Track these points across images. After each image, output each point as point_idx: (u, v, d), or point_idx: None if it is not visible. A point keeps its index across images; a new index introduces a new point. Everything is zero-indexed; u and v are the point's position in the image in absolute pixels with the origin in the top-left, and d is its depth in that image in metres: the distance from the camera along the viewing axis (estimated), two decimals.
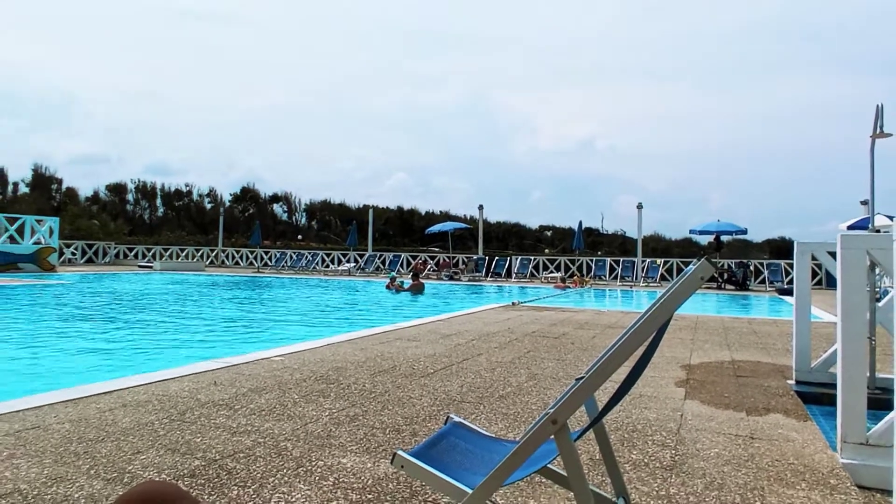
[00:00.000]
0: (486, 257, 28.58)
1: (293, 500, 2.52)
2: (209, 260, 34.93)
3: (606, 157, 63.12)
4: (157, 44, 67.29)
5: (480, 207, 30.66)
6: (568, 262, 28.26)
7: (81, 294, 15.71)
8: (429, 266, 29.50)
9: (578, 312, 11.77)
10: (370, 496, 2.58)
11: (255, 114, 67.95)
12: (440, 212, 48.09)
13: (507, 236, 45.77)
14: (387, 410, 3.99)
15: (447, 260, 29.21)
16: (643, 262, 26.50)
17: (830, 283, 18.22)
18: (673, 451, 3.29)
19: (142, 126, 66.62)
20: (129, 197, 50.30)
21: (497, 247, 38.74)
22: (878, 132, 6.79)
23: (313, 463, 2.96)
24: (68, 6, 65.02)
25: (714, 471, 3.00)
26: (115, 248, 33.98)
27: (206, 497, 2.52)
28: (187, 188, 51.35)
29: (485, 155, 68.11)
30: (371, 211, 34.89)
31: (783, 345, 7.46)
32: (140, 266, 30.05)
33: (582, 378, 1.75)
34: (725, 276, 24.02)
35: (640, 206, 27.16)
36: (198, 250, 35.47)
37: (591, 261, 28.04)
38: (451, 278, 26.46)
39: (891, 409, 2.65)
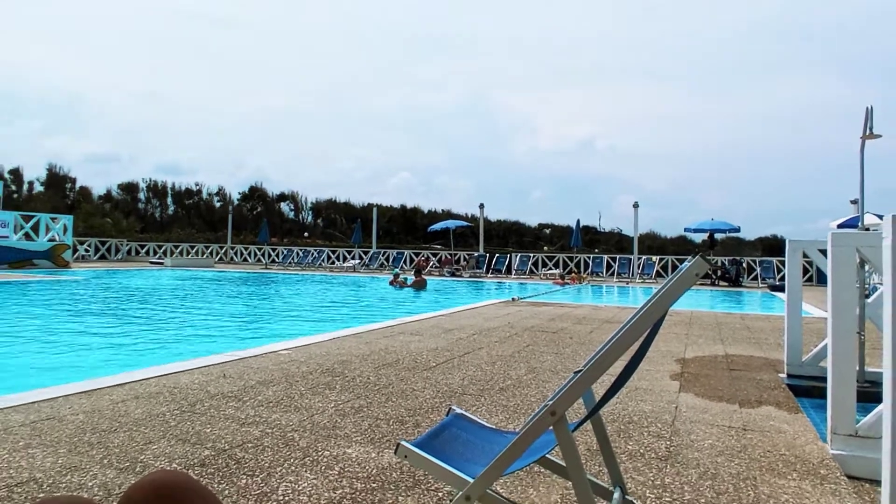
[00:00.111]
0: (487, 254, 28.58)
1: (300, 488, 2.52)
2: (218, 257, 34.95)
3: (604, 157, 63.22)
4: (167, 47, 67.32)
5: (481, 206, 30.65)
6: (566, 259, 28.23)
7: (95, 289, 15.73)
8: (431, 263, 29.49)
9: (576, 308, 11.77)
10: (374, 485, 2.58)
11: (263, 115, 68.14)
12: (442, 210, 48.14)
13: (508, 234, 45.77)
14: (390, 402, 3.99)
15: (449, 257, 29.20)
16: (639, 259, 26.49)
17: (821, 279, 18.18)
18: (668, 442, 3.29)
19: (152, 127, 66.72)
20: (141, 195, 50.47)
21: (497, 244, 38.75)
22: (867, 134, 6.76)
23: (319, 453, 2.97)
24: (79, 9, 65.01)
25: (708, 461, 3.00)
26: (128, 245, 34.00)
27: (215, 486, 2.53)
28: (197, 187, 51.49)
29: (485, 155, 68.19)
30: (375, 209, 34.91)
31: (775, 339, 7.45)
32: (151, 262, 30.09)
33: (580, 371, 1.75)
34: (719, 272, 24.00)
35: (636, 205, 27.15)
36: (207, 247, 35.47)
37: (589, 258, 28.01)
38: (452, 275, 26.46)
39: (879, 401, 2.65)
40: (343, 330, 7.39)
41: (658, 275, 25.57)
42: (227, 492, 2.47)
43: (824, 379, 3.36)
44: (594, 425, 2.10)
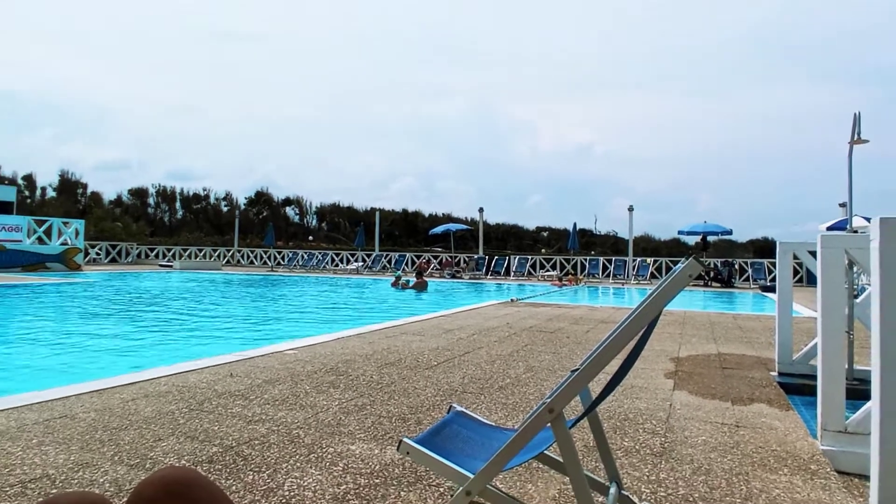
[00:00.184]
0: (486, 257, 28.56)
1: (305, 484, 2.52)
2: (225, 260, 34.95)
3: (600, 163, 63.28)
4: (177, 59, 67.36)
5: (481, 210, 30.64)
6: (563, 262, 28.22)
7: (105, 292, 15.74)
8: (432, 265, 29.49)
9: (573, 308, 11.76)
10: (377, 480, 2.58)
11: (269, 122, 68.26)
12: (443, 214, 48.17)
13: (506, 237, 45.76)
14: (393, 400, 3.99)
15: (449, 259, 29.20)
16: (634, 261, 26.46)
17: (811, 280, 18.17)
18: (662, 439, 3.29)
19: (162, 135, 66.91)
20: (151, 200, 50.54)
21: (496, 247, 38.73)
22: (855, 138, 6.78)
23: (324, 449, 2.96)
24: (94, 20, 65.14)
25: (701, 457, 2.99)
26: (137, 248, 34.03)
27: (223, 482, 2.53)
28: (205, 192, 51.53)
29: (485, 160, 68.18)
30: (378, 213, 34.88)
31: (766, 339, 7.45)
32: (161, 265, 30.08)
33: (577, 370, 1.75)
34: (712, 274, 23.99)
35: (631, 209, 27.11)
36: (215, 250, 35.48)
37: (586, 260, 28.00)
38: (453, 276, 26.45)
39: (868, 398, 2.64)
40: (347, 330, 7.39)
41: (652, 276, 25.55)
42: (234, 487, 2.47)
43: (814, 377, 3.36)
44: (591, 422, 2.10)
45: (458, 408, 2.38)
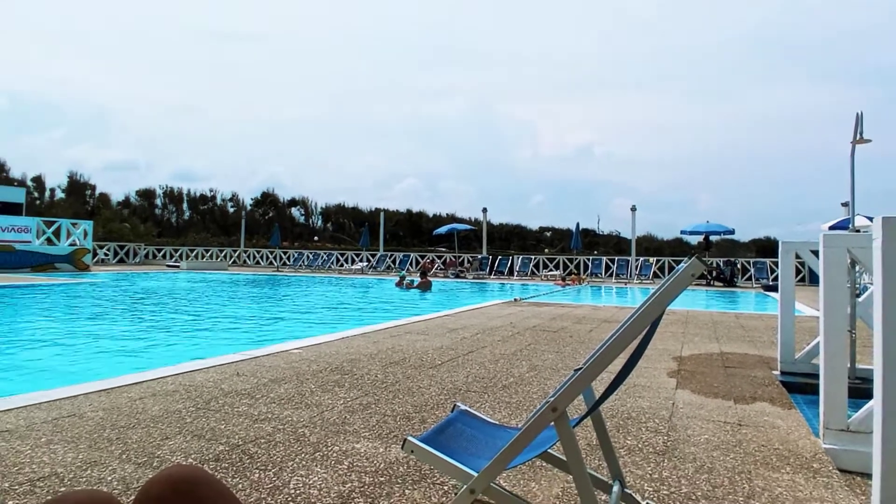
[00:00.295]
0: (490, 257, 28.56)
1: (311, 482, 2.52)
2: (232, 260, 35.03)
3: (602, 163, 63.20)
4: (184, 61, 67.55)
5: (484, 210, 30.65)
6: (566, 261, 28.19)
7: (114, 292, 15.79)
8: (436, 265, 29.49)
9: (576, 308, 11.75)
10: (382, 479, 2.58)
11: (275, 124, 68.39)
12: (447, 214, 48.22)
13: (510, 237, 45.76)
14: (397, 399, 3.99)
15: (453, 259, 29.21)
16: (637, 260, 26.42)
17: (813, 279, 18.12)
18: (665, 437, 3.28)
19: (169, 136, 67.20)
20: (158, 201, 50.75)
21: (500, 247, 38.72)
22: (858, 138, 6.75)
23: (329, 448, 2.97)
24: (101, 23, 65.36)
25: (704, 455, 2.99)
26: (145, 249, 34.14)
27: (229, 480, 2.53)
28: (211, 193, 51.72)
29: (488, 160, 68.23)
30: (382, 214, 34.91)
31: (768, 338, 7.42)
32: (168, 266, 30.18)
33: (580, 369, 1.75)
34: (714, 273, 23.93)
35: (633, 209, 27.07)
36: (221, 251, 35.58)
37: (588, 260, 27.97)
38: (457, 276, 26.45)
39: (870, 397, 2.64)
40: (352, 330, 7.39)
41: (655, 276, 25.51)
42: (240, 485, 2.47)
43: (817, 376, 3.35)
44: (594, 421, 2.10)
45: (463, 406, 2.38)
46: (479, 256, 28.79)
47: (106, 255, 31.12)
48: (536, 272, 27.60)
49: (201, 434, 3.14)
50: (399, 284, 19.01)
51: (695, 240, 30.65)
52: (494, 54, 67.53)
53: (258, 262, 34.74)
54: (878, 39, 52.92)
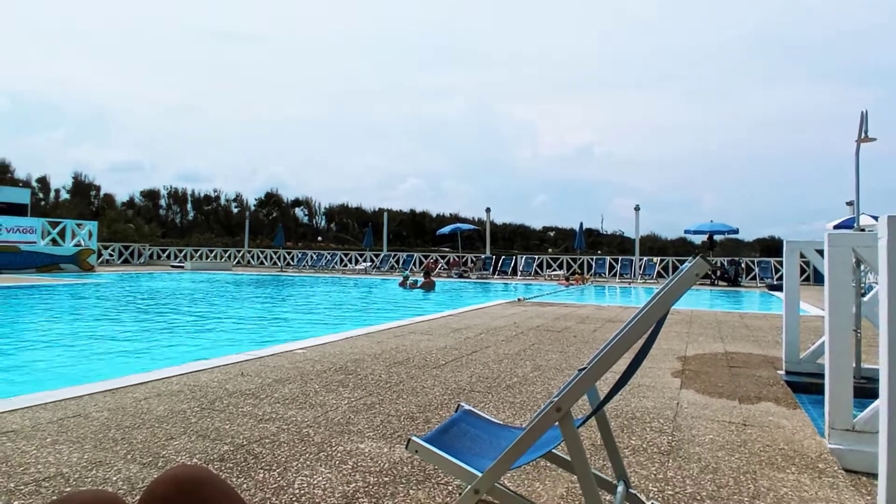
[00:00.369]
0: (493, 256, 28.55)
1: (315, 482, 2.52)
2: (236, 260, 35.10)
3: (604, 163, 63.16)
4: (186, 61, 67.69)
5: (488, 210, 30.68)
6: (570, 261, 28.16)
7: (118, 292, 15.84)
8: (440, 265, 29.50)
9: (580, 308, 11.73)
10: (387, 479, 2.58)
11: (278, 124, 68.54)
12: (450, 214, 48.21)
13: (513, 237, 45.73)
14: (401, 399, 3.99)
15: (457, 259, 29.19)
16: (641, 260, 26.39)
17: (818, 279, 18.04)
18: (670, 437, 3.28)
19: (173, 137, 67.36)
20: (162, 202, 50.90)
21: (503, 246, 38.69)
22: (862, 137, 6.71)
23: (333, 448, 2.97)
24: (103, 24, 65.53)
25: (709, 455, 2.98)
26: (150, 249, 34.22)
27: (234, 480, 2.54)
28: (215, 194, 51.84)
29: (491, 161, 68.24)
30: (386, 214, 34.95)
31: (773, 337, 7.40)
32: (172, 266, 30.24)
33: (584, 369, 1.75)
34: (718, 273, 23.88)
35: (637, 208, 27.07)
36: (225, 251, 35.65)
37: (592, 259, 27.94)
38: (460, 276, 26.45)
39: (876, 397, 2.63)
40: (356, 330, 7.40)
41: (659, 275, 25.47)
42: (245, 485, 2.48)
43: (822, 375, 3.34)
44: (598, 421, 2.10)
45: (466, 406, 2.38)
46: (483, 256, 28.78)
47: (111, 255, 31.21)
48: (540, 272, 27.58)
49: (206, 434, 3.14)
50: (403, 284, 19.01)
51: (698, 239, 30.56)
52: (494, 54, 67.60)
53: (262, 263, 34.79)
54: (879, 39, 52.80)
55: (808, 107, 55.97)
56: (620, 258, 27.32)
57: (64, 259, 23.15)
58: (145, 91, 66.70)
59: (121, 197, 49.33)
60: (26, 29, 58.98)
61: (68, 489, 2.41)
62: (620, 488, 2.11)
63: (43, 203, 42.71)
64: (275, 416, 3.50)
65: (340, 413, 3.62)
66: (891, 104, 48.39)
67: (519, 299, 13.35)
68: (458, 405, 2.40)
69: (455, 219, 44.88)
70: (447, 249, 35.17)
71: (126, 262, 31.83)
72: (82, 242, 24.45)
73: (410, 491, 2.46)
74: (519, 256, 28.64)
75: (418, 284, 18.50)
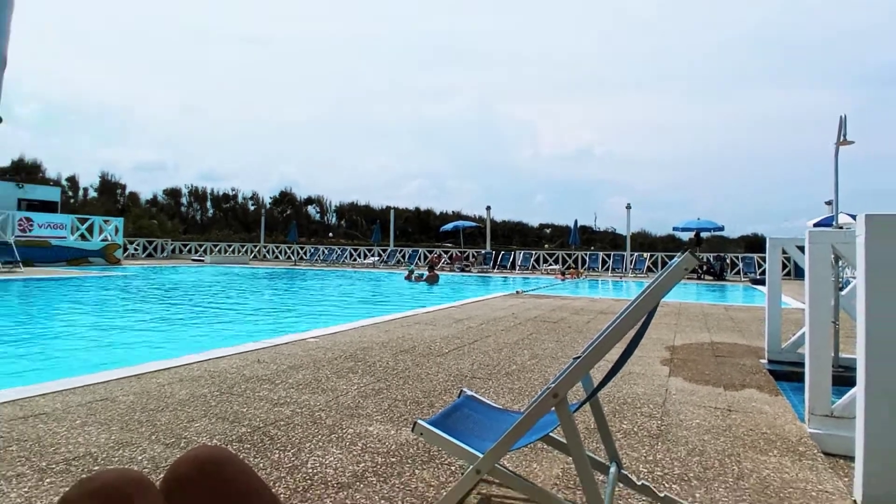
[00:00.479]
0: (493, 252, 28.51)
1: (327, 462, 2.53)
2: (252, 255, 35.09)
3: (599, 163, 63.00)
4: (207, 67, 67.67)
5: (488, 208, 30.59)
6: (565, 256, 28.10)
7: (143, 284, 15.88)
8: (443, 259, 29.46)
9: (575, 300, 11.72)
10: (394, 459, 2.59)
11: (292, 126, 68.52)
12: (453, 212, 48.17)
13: (512, 233, 45.69)
14: (407, 385, 4.00)
15: (459, 254, 29.17)
16: (632, 255, 26.32)
17: (799, 274, 17.98)
18: (659, 422, 3.28)
19: (194, 138, 67.40)
20: (184, 200, 50.92)
21: (503, 243, 38.66)
22: (841, 140, 6.68)
23: (344, 430, 2.98)
24: (130, 34, 65.52)
25: (695, 439, 2.98)
26: (172, 244, 34.25)
27: (251, 460, 2.54)
28: (233, 192, 51.84)
29: (492, 161, 68.11)
30: (392, 212, 34.89)
31: (756, 328, 7.39)
32: (193, 260, 30.28)
33: (579, 357, 1.75)
34: (705, 267, 23.81)
35: (628, 207, 26.96)
36: (242, 246, 35.64)
37: (586, 255, 27.86)
38: (462, 270, 26.44)
39: (853, 385, 2.62)
40: (364, 320, 7.41)
41: (649, 270, 25.40)
42: (261, 465, 2.49)
43: (802, 364, 3.33)
44: (592, 406, 2.10)
45: (468, 392, 2.38)
46: (484, 251, 28.74)
47: (135, 250, 31.27)
48: (537, 266, 27.53)
49: (225, 417, 3.15)
50: (408, 278, 19.01)
51: (686, 236, 30.45)
52: (495, 55, 67.10)
53: (277, 257, 34.80)
54: (863, 47, 52.52)
55: (789, 111, 55.75)
56: (613, 254, 27.24)
57: (92, 253, 23.19)
58: (169, 96, 66.74)
59: (145, 195, 49.47)
60: (57, 36, 59.04)
61: (96, 468, 2.42)
62: (613, 469, 2.12)
63: (72, 201, 42.76)
64: (289, 401, 3.51)
65: (350, 398, 3.62)
66: (871, 109, 48.22)
67: (517, 292, 13.34)
68: (461, 391, 2.40)
69: (457, 216, 44.90)
70: (450, 245, 35.15)
71: (150, 256, 31.88)
72: (109, 237, 24.48)
73: (416, 471, 2.47)
74: (517, 252, 28.58)
75: (423, 278, 18.50)
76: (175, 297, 12.94)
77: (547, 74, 65.86)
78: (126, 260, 27.21)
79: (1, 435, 2.78)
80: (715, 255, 25.02)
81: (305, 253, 33.34)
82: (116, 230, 24.96)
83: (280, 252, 34.92)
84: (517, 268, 27.21)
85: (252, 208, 50.76)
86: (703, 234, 27.09)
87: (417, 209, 49.27)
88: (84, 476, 1.69)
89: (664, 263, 24.49)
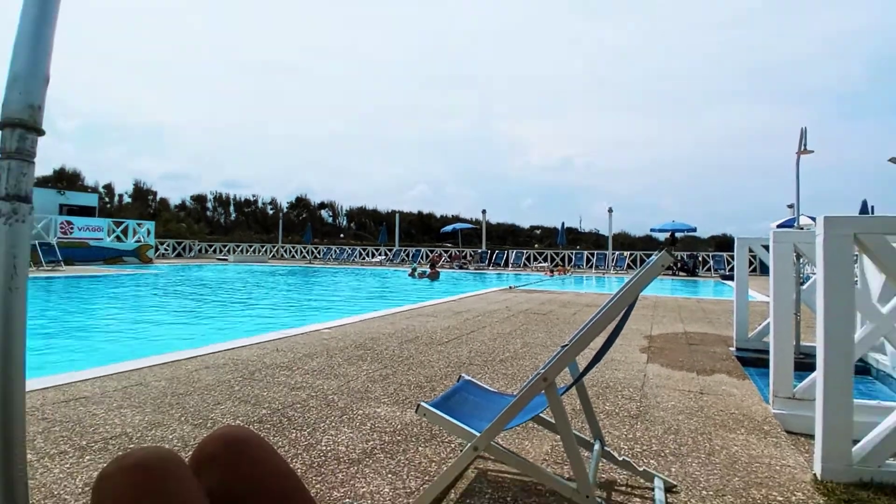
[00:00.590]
0: (489, 251, 28.50)
1: (339, 440, 2.53)
2: (271, 254, 35.04)
3: (583, 172, 63.09)
4: (230, 86, 67.57)
5: (483, 212, 30.55)
6: (553, 255, 28.09)
7: (172, 280, 15.87)
8: (443, 258, 29.44)
9: (562, 294, 11.71)
10: (399, 437, 2.59)
11: (307, 139, 68.39)
12: (452, 216, 48.11)
13: (505, 234, 45.64)
14: (412, 371, 4.00)
15: (458, 253, 29.15)
16: (613, 254, 26.31)
17: (764, 270, 17.97)
18: (638, 404, 3.28)
19: (218, 150, 67.27)
20: (209, 205, 50.78)
21: (497, 243, 38.62)
22: (802, 150, 6.67)
23: (354, 412, 2.98)
24: (161, 55, 65.43)
25: (671, 419, 2.98)
26: (199, 245, 34.18)
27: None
28: (254, 198, 51.73)
29: (487, 169, 68.17)
30: (397, 215, 34.84)
31: (726, 319, 7.39)
32: (218, 259, 30.24)
33: (566, 346, 1.75)
34: (679, 265, 23.80)
35: (610, 210, 26.93)
36: (262, 246, 35.58)
37: (572, 253, 27.86)
38: (460, 268, 26.41)
39: (813, 370, 2.62)
40: (372, 313, 7.41)
41: (629, 267, 25.38)
42: (281, 443, 2.49)
43: (767, 352, 3.34)
44: (578, 390, 2.10)
45: (467, 377, 2.38)
46: (480, 251, 28.72)
47: (166, 250, 31.22)
48: (528, 264, 27.51)
49: (247, 400, 3.15)
50: (412, 275, 18.99)
51: (662, 236, 30.45)
52: (494, 79, 67.26)
53: (293, 256, 34.75)
54: (816, 67, 52.60)
55: (759, 123, 55.67)
56: (596, 252, 27.22)
57: (126, 253, 23.17)
58: (195, 112, 66.73)
59: (174, 201, 49.38)
60: (94, 56, 58.94)
61: (131, 446, 2.42)
62: (597, 446, 2.12)
63: (108, 206, 42.69)
64: (305, 385, 3.51)
65: (360, 383, 3.62)
66: (821, 123, 48.24)
67: (510, 287, 13.33)
68: (460, 376, 2.40)
69: (456, 219, 44.81)
70: (449, 245, 35.11)
71: (179, 255, 31.83)
72: (142, 239, 24.44)
73: (419, 448, 2.47)
74: (510, 251, 28.56)
75: (425, 275, 18.48)
76: (201, 292, 12.93)
77: (537, 96, 65.97)
78: (157, 259, 27.17)
79: (45, 416, 2.78)
80: (688, 253, 25.01)
81: (319, 252, 33.31)
82: (148, 232, 24.93)
83: (296, 252, 34.88)
84: (510, 265, 27.20)
85: (271, 212, 50.69)
86: (678, 235, 27.08)
87: (420, 213, 49.29)
88: (120, 453, 1.70)
89: (643, 261, 24.45)
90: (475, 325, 6.44)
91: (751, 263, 19.32)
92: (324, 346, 4.86)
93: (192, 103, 65.91)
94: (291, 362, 4.19)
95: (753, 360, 4.73)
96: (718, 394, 3.54)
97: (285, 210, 50.05)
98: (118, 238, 23.55)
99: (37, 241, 18.04)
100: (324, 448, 2.44)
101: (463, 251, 29.28)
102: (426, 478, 2.15)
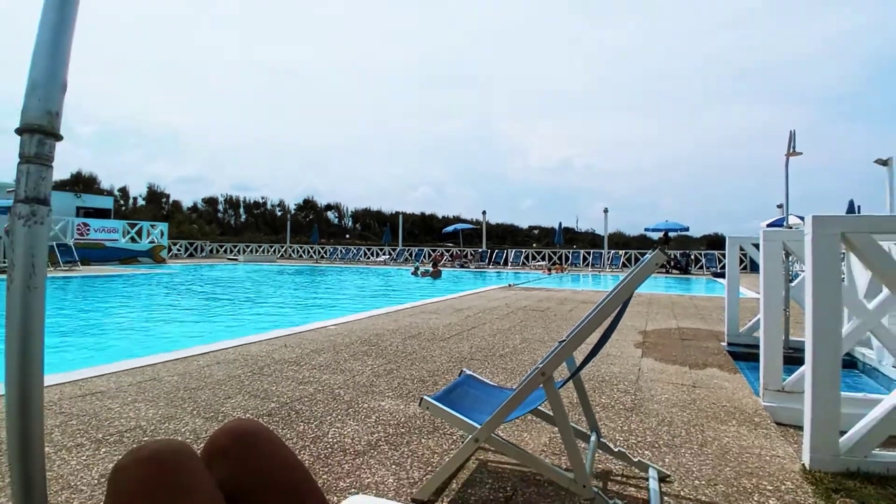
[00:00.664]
0: (489, 250, 28.49)
1: (345, 433, 2.53)
2: (280, 254, 35.09)
3: (580, 173, 63.06)
4: (241, 93, 67.65)
5: (484, 213, 30.52)
6: (551, 254, 28.08)
7: (185, 279, 15.89)
8: (445, 257, 29.44)
9: (559, 292, 11.70)
10: (403, 430, 2.59)
11: (313, 143, 68.46)
12: (453, 216, 48.23)
13: (505, 234, 45.69)
14: (415, 366, 4.00)
15: (459, 252, 29.14)
16: (609, 253, 26.28)
17: (754, 268, 17.94)
18: (633, 397, 3.27)
19: (228, 154, 67.38)
20: (220, 207, 50.96)
21: (497, 242, 38.64)
22: (791, 151, 6.66)
23: (360, 405, 2.98)
24: (176, 63, 65.50)
25: (664, 411, 2.98)
26: (210, 245, 34.22)
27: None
28: (263, 200, 51.91)
29: (487, 171, 68.17)
30: (401, 216, 34.83)
31: (717, 315, 7.38)
32: (228, 259, 30.27)
33: (563, 341, 1.75)
34: (672, 263, 23.76)
35: (606, 211, 26.92)
36: (271, 246, 35.64)
37: (569, 252, 27.84)
38: (461, 266, 26.40)
39: (801, 364, 2.62)
40: (377, 310, 7.40)
41: (624, 265, 25.36)
42: (289, 435, 2.49)
43: (757, 346, 3.33)
44: (575, 383, 2.10)
45: (468, 372, 2.38)
46: (480, 250, 28.72)
47: (178, 250, 31.27)
48: (527, 263, 27.50)
49: (257, 394, 3.16)
50: (415, 273, 19.00)
51: (656, 236, 30.39)
52: (494, 81, 67.19)
53: (301, 256, 34.78)
54: (810, 71, 52.43)
55: (750, 126, 55.61)
56: (592, 251, 27.20)
57: (141, 253, 23.23)
58: (207, 117, 66.87)
59: (186, 203, 49.56)
60: (109, 62, 59.07)
61: (146, 439, 2.42)
62: (593, 438, 2.12)
63: (123, 208, 42.78)
64: (312, 380, 3.51)
65: (365, 377, 3.62)
66: (816, 124, 48.08)
67: (510, 285, 13.33)
68: (461, 370, 2.40)
69: (457, 220, 44.87)
70: (451, 245, 35.11)
71: (191, 255, 31.87)
72: (155, 240, 24.49)
73: (422, 440, 2.47)
74: (510, 250, 28.55)
75: (428, 273, 18.48)
76: (213, 290, 12.94)
77: (537, 96, 65.93)
78: (170, 259, 27.22)
79: (63, 411, 2.79)
80: (681, 252, 24.97)
81: (325, 252, 33.34)
82: (162, 233, 24.97)
83: (304, 251, 34.91)
84: (509, 264, 27.18)
85: (279, 214, 50.80)
86: (671, 234, 27.02)
87: (423, 213, 49.42)
88: (135, 446, 1.70)
89: (637, 259, 24.46)
90: (476, 322, 6.44)
91: (741, 261, 19.33)
92: (330, 343, 4.86)
93: (205, 108, 66.21)
94: (299, 358, 4.19)
95: (744, 354, 4.73)
96: (710, 387, 3.54)
97: (293, 212, 50.15)
98: (133, 239, 23.60)
99: (55, 242, 18.09)
100: (330, 440, 2.44)
101: (464, 250, 29.28)
102: (429, 468, 2.15)
